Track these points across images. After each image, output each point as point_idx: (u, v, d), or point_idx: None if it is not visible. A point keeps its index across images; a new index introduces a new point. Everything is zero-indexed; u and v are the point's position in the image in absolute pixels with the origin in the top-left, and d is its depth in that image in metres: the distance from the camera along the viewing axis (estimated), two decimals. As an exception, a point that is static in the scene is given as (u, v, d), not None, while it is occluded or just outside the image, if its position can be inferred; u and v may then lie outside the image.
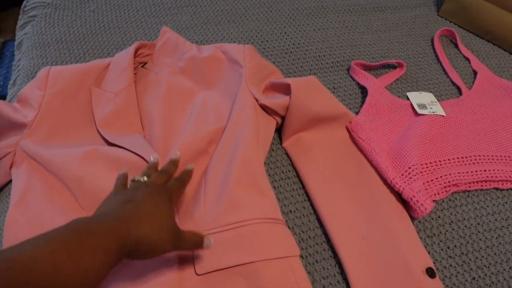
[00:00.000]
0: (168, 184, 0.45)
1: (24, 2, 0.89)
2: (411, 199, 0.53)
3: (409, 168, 0.56)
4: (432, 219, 0.56)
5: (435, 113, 0.67)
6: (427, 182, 0.59)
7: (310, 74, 0.75)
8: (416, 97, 0.70)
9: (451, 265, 0.52)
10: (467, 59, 0.81)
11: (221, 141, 0.57)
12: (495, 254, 0.53)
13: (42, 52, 0.76)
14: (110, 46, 0.79)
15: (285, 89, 0.62)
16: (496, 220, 0.57)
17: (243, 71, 0.63)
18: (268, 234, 0.48)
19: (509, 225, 0.56)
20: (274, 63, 0.76)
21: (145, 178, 0.44)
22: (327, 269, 0.50)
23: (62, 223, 0.49)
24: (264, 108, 0.61)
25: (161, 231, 0.38)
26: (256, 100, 0.61)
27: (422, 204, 0.52)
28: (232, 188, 0.51)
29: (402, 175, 0.56)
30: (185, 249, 0.41)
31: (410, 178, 0.55)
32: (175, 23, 0.84)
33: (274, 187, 0.58)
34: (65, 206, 0.51)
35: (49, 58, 0.75)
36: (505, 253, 0.53)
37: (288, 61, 0.77)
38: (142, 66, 0.72)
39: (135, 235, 0.35)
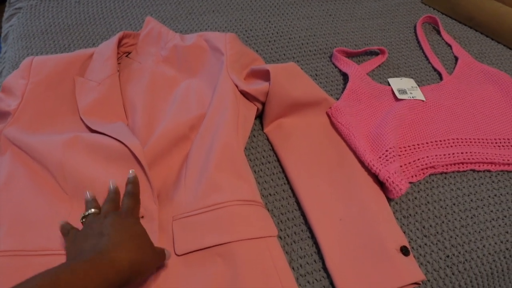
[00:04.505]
0: (123, 206, 0.46)
1: (9, -5, 0.89)
2: (386, 180, 0.54)
3: (386, 151, 0.58)
4: (409, 200, 0.57)
5: (414, 98, 0.68)
6: (405, 164, 0.60)
7: (292, 62, 0.75)
8: (397, 83, 0.71)
9: (425, 244, 0.53)
10: (449, 45, 0.82)
11: (202, 127, 0.58)
12: (469, 233, 0.54)
13: (27, 43, 0.77)
14: (95, 37, 0.79)
15: (265, 76, 0.63)
16: (471, 200, 0.58)
17: (224, 58, 0.64)
18: (246, 215, 0.49)
19: (484, 205, 0.58)
20: (257, 51, 0.77)
21: (92, 210, 0.45)
22: (304, 249, 0.51)
23: (45, 207, 0.50)
24: (245, 94, 0.62)
25: (144, 250, 0.40)
26: (237, 86, 0.61)
27: (397, 185, 0.53)
28: (212, 172, 0.52)
29: (380, 157, 0.58)
30: (161, 262, 0.44)
31: (387, 160, 0.57)
32: (160, 13, 0.85)
33: (255, 172, 0.59)
34: (48, 191, 0.52)
35: (34, 49, 0.76)
36: (479, 232, 0.55)
37: (272, 49, 0.78)
38: (126, 56, 0.73)
39: (126, 261, 0.37)
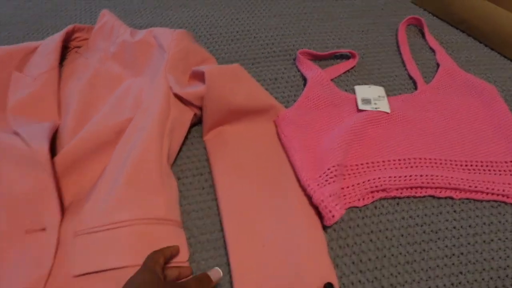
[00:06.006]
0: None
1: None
2: (319, 204, 0.47)
3: (328, 169, 0.51)
4: (349, 227, 0.50)
5: (378, 109, 0.60)
6: (352, 185, 0.53)
7: (253, 64, 0.70)
8: (364, 91, 0.64)
9: (359, 281, 0.46)
10: (433, 50, 0.73)
11: (126, 132, 0.53)
12: (414, 271, 0.47)
13: (-17, 35, 0.75)
14: (53, 30, 0.76)
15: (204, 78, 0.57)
16: (424, 232, 0.50)
17: (166, 56, 0.59)
18: (152, 237, 0.44)
19: (438, 238, 0.50)
20: (217, 50, 0.71)
21: None
22: (218, 276, 0.46)
23: None
24: (179, 97, 0.57)
25: None
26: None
27: (330, 211, 0.47)
28: (122, 186, 0.47)
29: (320, 176, 0.51)
30: None
31: (326, 180, 0.50)
32: (125, 6, 0.81)
33: (183, 184, 0.54)
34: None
35: (-12, 41, 0.73)
36: (427, 270, 0.47)
37: (233, 48, 0.72)
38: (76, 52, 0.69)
39: None
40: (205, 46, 0.72)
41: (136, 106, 0.57)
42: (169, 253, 0.43)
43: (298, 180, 0.52)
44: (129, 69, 0.64)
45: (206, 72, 0.54)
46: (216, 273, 0.41)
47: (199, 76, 0.59)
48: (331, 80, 0.67)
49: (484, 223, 0.52)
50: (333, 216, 0.46)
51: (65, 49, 0.68)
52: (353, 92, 0.66)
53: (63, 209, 0.48)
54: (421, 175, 0.53)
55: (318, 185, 0.49)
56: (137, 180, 0.47)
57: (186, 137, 0.58)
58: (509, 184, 0.54)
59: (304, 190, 0.51)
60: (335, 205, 0.47)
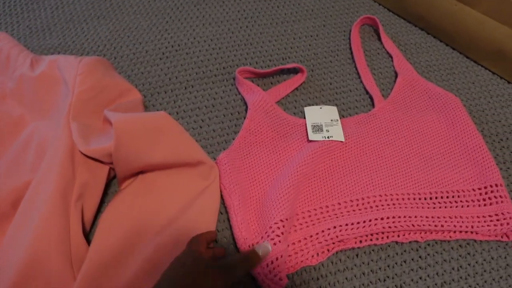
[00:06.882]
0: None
1: None
2: (256, 277, 0.40)
3: (270, 228, 0.43)
4: (302, 294, 0.43)
5: (331, 139, 0.52)
6: (304, 239, 0.45)
7: (186, 88, 0.59)
8: (314, 115, 0.56)
9: None
10: (391, 55, 0.65)
11: (21, 206, 0.42)
12: None
13: None
14: None
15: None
16: (388, 288, 0.44)
17: (70, 98, 0.48)
18: None
19: (403, 295, 0.44)
20: (142, 74, 0.61)
21: None
22: None
23: None
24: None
25: None
26: (78, 141, 0.46)
27: (268, 285, 0.39)
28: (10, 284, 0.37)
29: (261, 238, 0.43)
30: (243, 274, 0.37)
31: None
32: (31, 22, 0.68)
33: (102, 258, 0.44)
34: None
35: None
36: (392, 337, 0.41)
37: (161, 69, 0.61)
38: (-32, 88, 0.56)
39: None
40: (128, 69, 0.61)
41: (37, 164, 0.46)
42: (210, 237, 0.41)
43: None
44: (32, 110, 0.52)
45: (114, 124, 0.43)
46: (265, 248, 0.39)
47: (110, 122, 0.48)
48: (277, 102, 0.58)
49: (453, 268, 0.46)
50: (276, 292, 0.39)
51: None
52: (303, 114, 0.57)
53: None
54: (381, 219, 0.46)
55: (260, 252, 0.41)
56: (32, 278, 0.38)
57: (105, 192, 0.48)
58: (477, 217, 0.48)
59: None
60: (273, 277, 0.39)
